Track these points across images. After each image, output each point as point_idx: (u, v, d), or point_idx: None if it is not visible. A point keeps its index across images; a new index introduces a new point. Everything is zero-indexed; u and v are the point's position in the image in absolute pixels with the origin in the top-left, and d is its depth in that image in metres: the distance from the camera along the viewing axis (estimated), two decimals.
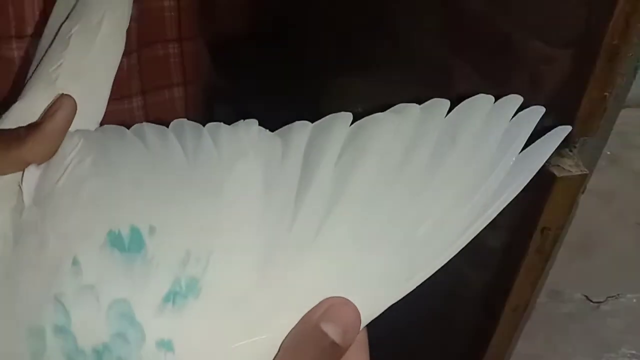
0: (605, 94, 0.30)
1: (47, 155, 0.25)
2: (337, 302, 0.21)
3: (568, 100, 0.31)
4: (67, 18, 0.30)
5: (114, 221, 0.22)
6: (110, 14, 0.30)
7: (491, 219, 0.24)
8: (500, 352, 0.39)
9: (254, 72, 0.64)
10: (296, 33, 0.66)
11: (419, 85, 0.44)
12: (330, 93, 0.56)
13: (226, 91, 0.60)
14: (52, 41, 0.29)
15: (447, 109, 0.26)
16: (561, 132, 0.26)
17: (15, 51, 0.41)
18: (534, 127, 0.26)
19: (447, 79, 0.41)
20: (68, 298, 0.20)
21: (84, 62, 0.29)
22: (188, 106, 0.50)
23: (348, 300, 0.22)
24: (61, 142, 0.25)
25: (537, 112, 0.26)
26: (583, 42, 0.30)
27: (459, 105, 0.26)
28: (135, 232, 0.21)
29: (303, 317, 0.21)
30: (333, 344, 0.20)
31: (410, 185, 0.24)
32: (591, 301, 0.74)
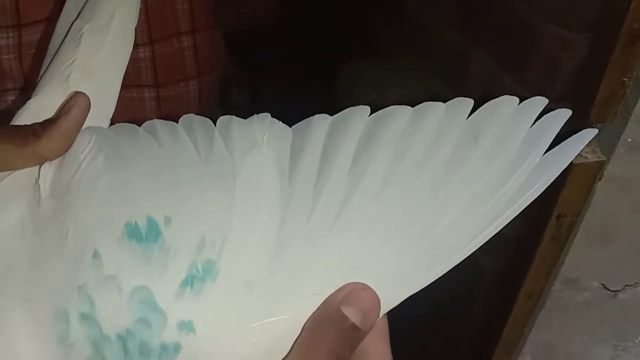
0: (624, 79, 0.30)
1: (62, 151, 0.25)
2: (357, 287, 0.22)
3: (586, 85, 0.31)
4: (78, 16, 0.30)
5: (131, 213, 0.22)
6: (120, 12, 0.30)
7: (512, 219, 0.25)
8: (514, 340, 0.39)
9: (270, 61, 0.64)
10: (312, 21, 0.66)
11: (433, 72, 0.44)
12: (346, 80, 0.56)
13: (242, 81, 0.60)
14: (64, 39, 0.30)
15: (471, 109, 0.26)
16: (587, 135, 0.26)
17: (11, 40, 0.41)
18: (559, 129, 0.26)
19: (462, 66, 0.41)
20: (91, 288, 0.21)
21: (96, 60, 0.29)
22: (202, 98, 0.50)
23: (368, 285, 0.22)
24: (75, 138, 0.26)
25: (563, 115, 0.26)
26: (602, 26, 0.30)
27: (483, 106, 0.26)
28: (151, 222, 0.22)
29: (324, 301, 0.22)
30: (353, 326, 0.21)
31: (430, 182, 0.25)
32: (608, 289, 0.73)
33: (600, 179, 0.34)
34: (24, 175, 0.25)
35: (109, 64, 0.30)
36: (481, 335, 0.41)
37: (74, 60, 0.29)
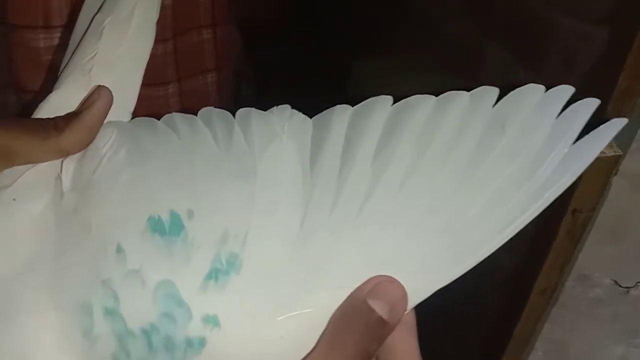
0: None
1: (84, 145, 0.25)
2: (383, 280, 0.22)
3: (603, 78, 0.31)
4: (99, 10, 0.30)
5: (153, 207, 0.22)
6: (141, 5, 0.30)
7: (540, 211, 0.24)
8: (526, 336, 0.38)
9: (280, 56, 0.64)
10: (323, 15, 0.65)
11: (447, 67, 0.43)
12: (357, 76, 0.56)
13: (249, 76, 0.60)
14: (85, 32, 0.30)
15: (496, 98, 0.26)
16: (617, 124, 0.25)
17: (42, 41, 0.43)
18: (587, 118, 0.25)
19: (476, 61, 0.40)
20: (115, 283, 0.21)
21: (117, 53, 0.29)
22: (220, 91, 0.50)
23: (394, 278, 0.22)
24: (97, 132, 0.26)
25: (591, 104, 0.25)
26: (620, 17, 0.29)
27: (508, 95, 0.26)
28: (174, 216, 0.22)
29: (351, 294, 0.22)
30: (380, 320, 0.21)
31: (456, 173, 0.24)
32: (620, 286, 0.72)
33: (616, 174, 0.34)
34: (45, 168, 0.25)
35: (130, 58, 0.30)
36: (493, 330, 0.41)
37: (95, 54, 0.29)
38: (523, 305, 0.36)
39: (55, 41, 0.43)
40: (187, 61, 0.47)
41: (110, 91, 0.27)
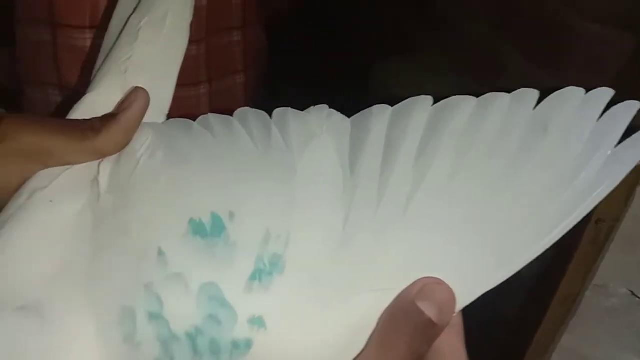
0: None
1: (121, 147, 0.25)
2: (431, 282, 0.22)
3: (628, 84, 0.30)
4: (134, 11, 0.30)
5: (194, 209, 0.22)
6: (175, 7, 0.30)
7: (584, 215, 0.23)
8: (546, 344, 0.38)
9: (298, 56, 0.64)
10: (342, 15, 0.65)
11: (467, 71, 0.43)
12: (375, 77, 0.56)
13: (271, 76, 0.60)
14: (120, 34, 0.30)
15: (537, 100, 0.25)
16: None
17: (89, 40, 0.44)
18: (629, 121, 0.24)
19: (495, 63, 0.40)
20: (158, 286, 0.20)
21: (152, 55, 0.29)
22: (247, 92, 0.51)
23: (442, 280, 0.22)
24: (134, 134, 0.26)
25: (633, 107, 0.25)
26: None
27: (549, 97, 0.25)
28: (216, 218, 0.22)
29: (399, 295, 0.21)
30: (429, 321, 0.21)
31: (499, 174, 0.24)
32: (636, 296, 0.71)
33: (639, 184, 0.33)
34: (82, 170, 0.24)
35: (165, 60, 0.30)
36: (512, 338, 0.41)
37: (131, 56, 0.29)
38: (543, 314, 0.36)
39: (102, 41, 0.44)
40: (218, 62, 0.48)
41: (147, 93, 0.27)
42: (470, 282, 0.22)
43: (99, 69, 0.29)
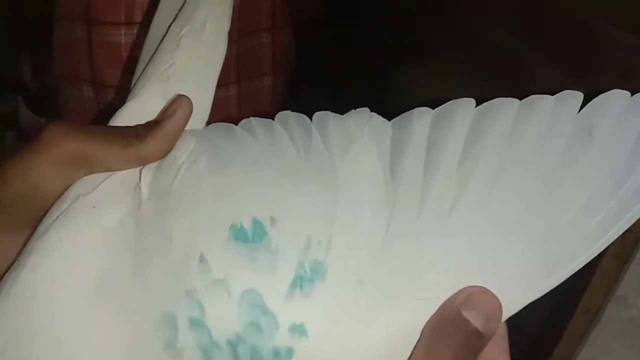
0: None
1: (164, 154, 0.25)
2: (476, 290, 0.21)
3: None
4: (174, 19, 0.30)
5: (236, 215, 0.22)
6: (214, 15, 0.30)
7: (633, 222, 0.23)
8: (567, 357, 0.37)
9: (319, 59, 0.64)
10: (362, 19, 0.65)
11: (490, 76, 0.42)
12: (398, 82, 0.55)
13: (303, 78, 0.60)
14: (161, 42, 0.30)
15: (580, 103, 0.25)
16: None
17: (124, 37, 0.45)
18: None
19: (522, 71, 0.40)
20: (200, 293, 0.20)
21: (194, 62, 0.29)
22: (274, 94, 0.51)
23: (487, 289, 0.21)
24: (177, 141, 0.26)
25: None
26: None
27: (593, 100, 0.25)
28: (257, 224, 0.22)
29: (443, 304, 0.21)
30: (476, 331, 0.20)
31: (545, 179, 0.23)
32: None
33: None
34: (124, 177, 0.25)
35: (206, 67, 0.30)
36: (532, 351, 0.40)
37: (173, 63, 0.29)
38: (565, 326, 0.35)
39: (135, 38, 0.45)
40: (247, 64, 0.48)
41: (190, 100, 0.27)
42: (519, 290, 0.22)
43: (139, 77, 0.29)
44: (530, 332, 0.41)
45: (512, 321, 0.43)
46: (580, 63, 0.34)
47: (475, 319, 0.20)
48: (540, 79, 0.38)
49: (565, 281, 0.39)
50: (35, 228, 0.23)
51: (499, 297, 0.21)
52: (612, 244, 0.32)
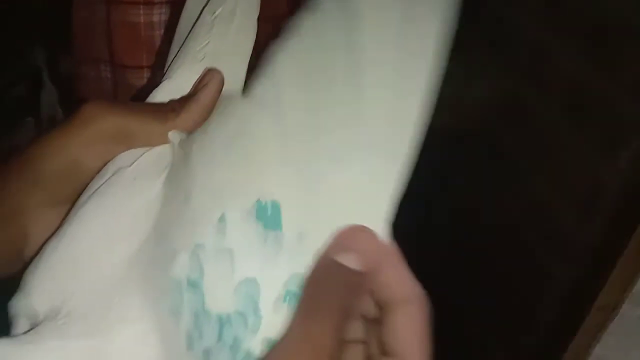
0: None
1: (199, 125, 0.26)
2: (344, 232, 0.20)
3: None
4: (207, 3, 0.31)
5: (263, 192, 0.21)
6: (243, 2, 0.31)
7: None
8: (581, 353, 0.37)
9: None
10: None
11: (515, 69, 0.42)
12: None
13: None
14: (194, 24, 0.31)
15: None
16: None
17: (142, 17, 0.45)
18: None
19: (548, 64, 0.39)
20: (206, 253, 0.20)
21: (226, 44, 0.30)
22: None
23: (354, 225, 0.20)
24: (211, 112, 0.26)
25: None
26: None
27: None
28: (275, 208, 0.21)
29: (316, 258, 0.20)
30: (353, 272, 0.19)
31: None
32: None
33: None
34: (161, 150, 0.25)
35: (238, 48, 0.30)
36: (546, 346, 0.39)
37: (207, 43, 0.29)
38: (581, 322, 0.35)
39: (155, 17, 0.45)
40: (261, 51, 0.48)
41: (221, 73, 0.27)
42: (373, 198, 0.21)
43: (173, 59, 0.30)
44: (545, 328, 0.40)
45: (526, 316, 0.43)
46: (608, 56, 0.34)
47: (348, 260, 0.19)
48: (568, 72, 0.37)
49: (583, 277, 0.39)
50: (74, 203, 0.23)
51: (360, 223, 0.20)
52: (633, 239, 0.32)
